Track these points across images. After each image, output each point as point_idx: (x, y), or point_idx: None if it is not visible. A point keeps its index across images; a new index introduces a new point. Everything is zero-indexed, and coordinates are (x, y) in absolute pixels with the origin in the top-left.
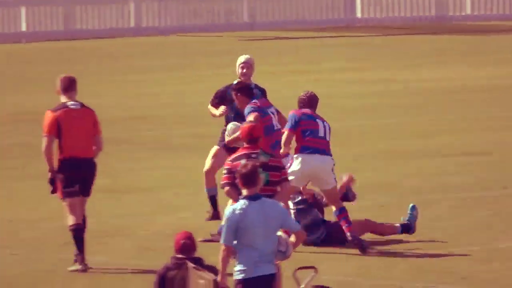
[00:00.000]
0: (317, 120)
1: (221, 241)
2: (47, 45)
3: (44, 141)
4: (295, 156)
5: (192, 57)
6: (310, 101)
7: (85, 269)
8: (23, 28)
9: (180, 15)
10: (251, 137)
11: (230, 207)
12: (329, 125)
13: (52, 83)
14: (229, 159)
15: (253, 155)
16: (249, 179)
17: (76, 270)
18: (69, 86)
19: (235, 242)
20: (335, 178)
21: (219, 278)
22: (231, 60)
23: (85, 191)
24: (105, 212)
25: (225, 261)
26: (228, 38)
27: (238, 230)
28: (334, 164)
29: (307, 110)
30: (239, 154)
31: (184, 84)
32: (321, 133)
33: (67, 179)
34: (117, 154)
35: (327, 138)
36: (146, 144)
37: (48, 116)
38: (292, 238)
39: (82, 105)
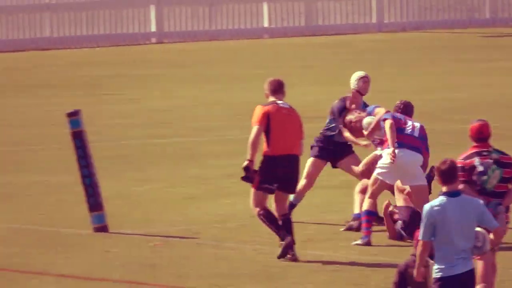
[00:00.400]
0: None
1: (420, 236)
2: (288, 41)
3: (254, 131)
4: None
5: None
6: (406, 108)
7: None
8: (265, 24)
9: (422, 10)
10: (480, 136)
11: (428, 204)
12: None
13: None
14: (461, 158)
15: (485, 153)
16: (448, 175)
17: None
18: (278, 88)
19: (432, 238)
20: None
21: (415, 272)
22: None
23: (288, 187)
24: None
25: (422, 256)
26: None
27: (436, 227)
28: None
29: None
30: (470, 152)
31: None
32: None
33: (267, 175)
34: None
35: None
36: None
37: (259, 109)
38: (491, 235)
39: (290, 107)
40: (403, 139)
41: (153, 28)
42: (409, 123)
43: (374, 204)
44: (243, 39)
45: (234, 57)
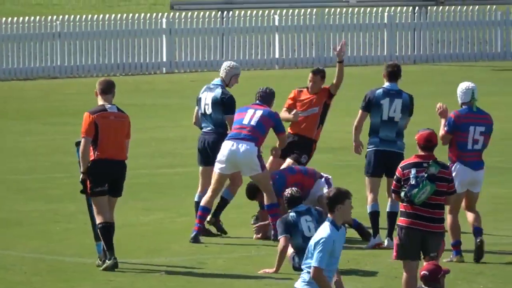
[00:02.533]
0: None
1: (319, 264)
2: (298, 72)
3: (82, 143)
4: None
5: None
6: (262, 97)
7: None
8: (276, 55)
9: (433, 44)
10: (428, 144)
11: (326, 234)
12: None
13: None
14: (401, 165)
15: (424, 165)
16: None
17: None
18: (107, 89)
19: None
20: None
21: None
22: None
23: (115, 192)
24: None
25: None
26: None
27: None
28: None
29: None
30: (410, 162)
31: None
32: None
33: (96, 178)
34: None
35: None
36: None
37: (86, 117)
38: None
39: (119, 110)
40: (240, 130)
41: (164, 58)
42: (250, 112)
43: (211, 202)
44: (254, 69)
45: (245, 87)
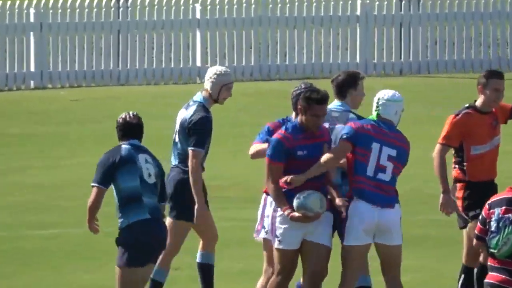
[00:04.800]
0: None
1: None
2: None
3: None
4: None
5: None
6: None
7: None
8: None
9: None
10: None
11: None
12: None
13: None
14: (488, 202)
15: None
16: None
17: None
18: None
19: None
20: None
21: None
22: None
23: None
24: None
25: None
26: None
27: None
28: None
29: None
30: (502, 197)
31: None
32: None
33: None
34: None
35: None
36: None
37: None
38: None
39: None
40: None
41: (32, 67)
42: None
43: None
44: (164, 83)
45: (151, 112)
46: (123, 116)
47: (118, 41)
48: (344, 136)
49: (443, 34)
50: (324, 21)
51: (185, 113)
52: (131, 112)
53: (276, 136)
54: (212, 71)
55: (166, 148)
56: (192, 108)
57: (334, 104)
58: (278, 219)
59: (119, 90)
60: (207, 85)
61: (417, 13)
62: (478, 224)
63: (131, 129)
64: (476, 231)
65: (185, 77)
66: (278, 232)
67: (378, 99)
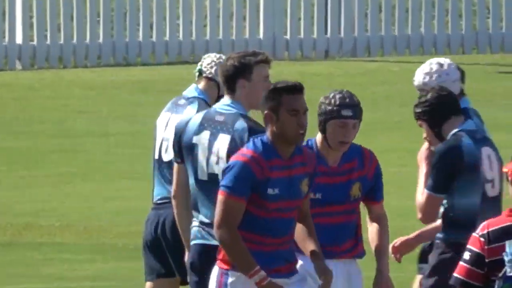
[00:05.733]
0: None
1: None
2: None
3: None
4: None
5: None
6: None
7: None
8: None
9: None
10: None
11: None
12: None
13: None
14: (478, 233)
15: None
16: None
17: None
18: None
19: None
20: None
21: None
22: None
23: None
24: None
25: None
26: None
27: None
28: None
29: None
30: (500, 225)
31: None
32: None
33: None
34: None
35: None
36: None
37: None
38: None
39: None
40: None
41: None
42: None
43: None
44: None
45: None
46: None
47: None
48: None
49: None
50: None
51: (181, 116)
52: None
53: (238, 158)
54: (212, 58)
55: None
56: (192, 106)
57: None
58: None
59: None
60: (208, 72)
61: None
62: (464, 264)
63: None
64: (459, 275)
65: None
66: None
67: None
